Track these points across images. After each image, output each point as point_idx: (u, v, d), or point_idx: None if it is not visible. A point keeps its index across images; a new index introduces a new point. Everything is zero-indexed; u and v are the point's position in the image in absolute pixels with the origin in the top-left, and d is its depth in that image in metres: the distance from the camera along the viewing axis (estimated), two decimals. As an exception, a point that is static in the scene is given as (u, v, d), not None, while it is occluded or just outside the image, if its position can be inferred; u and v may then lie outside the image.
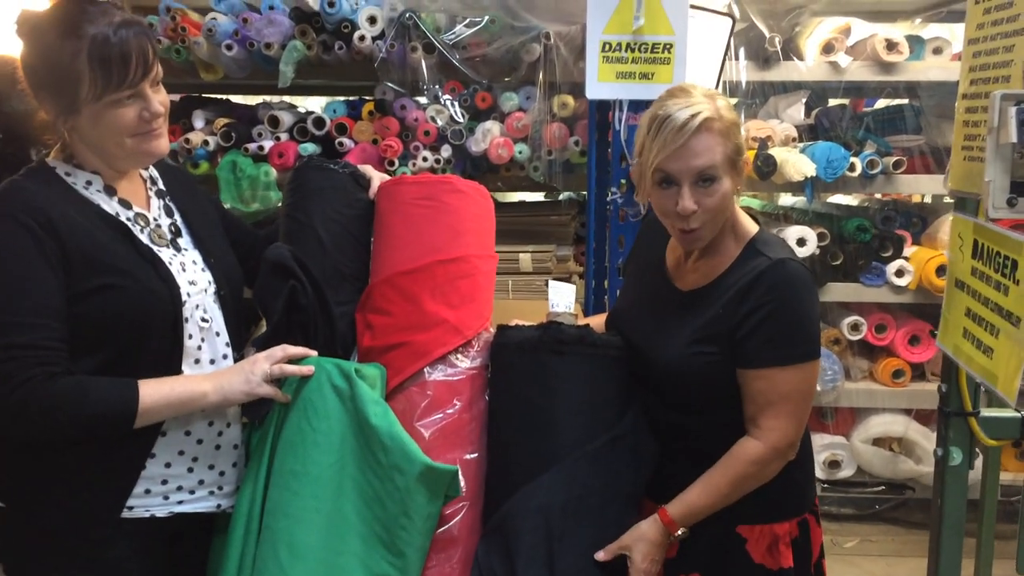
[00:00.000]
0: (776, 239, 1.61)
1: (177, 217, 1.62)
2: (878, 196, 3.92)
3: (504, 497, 1.56)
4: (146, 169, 1.62)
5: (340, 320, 1.67)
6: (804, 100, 3.49)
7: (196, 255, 1.59)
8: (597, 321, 1.85)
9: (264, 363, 1.49)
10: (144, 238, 1.50)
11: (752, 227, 1.61)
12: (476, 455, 1.62)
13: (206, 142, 3.17)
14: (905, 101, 3.58)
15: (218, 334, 1.57)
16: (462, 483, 1.55)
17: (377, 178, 1.80)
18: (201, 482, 1.54)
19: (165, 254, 1.52)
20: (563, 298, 1.74)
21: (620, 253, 2.55)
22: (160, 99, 1.48)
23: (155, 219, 1.56)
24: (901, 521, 3.68)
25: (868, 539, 3.57)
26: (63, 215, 1.40)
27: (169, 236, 1.56)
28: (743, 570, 1.59)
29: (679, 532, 1.56)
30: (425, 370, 1.62)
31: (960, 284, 1.96)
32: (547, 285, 3.20)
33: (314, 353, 1.56)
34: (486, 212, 1.77)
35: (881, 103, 3.88)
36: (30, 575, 1.46)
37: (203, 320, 1.53)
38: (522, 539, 1.50)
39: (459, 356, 1.64)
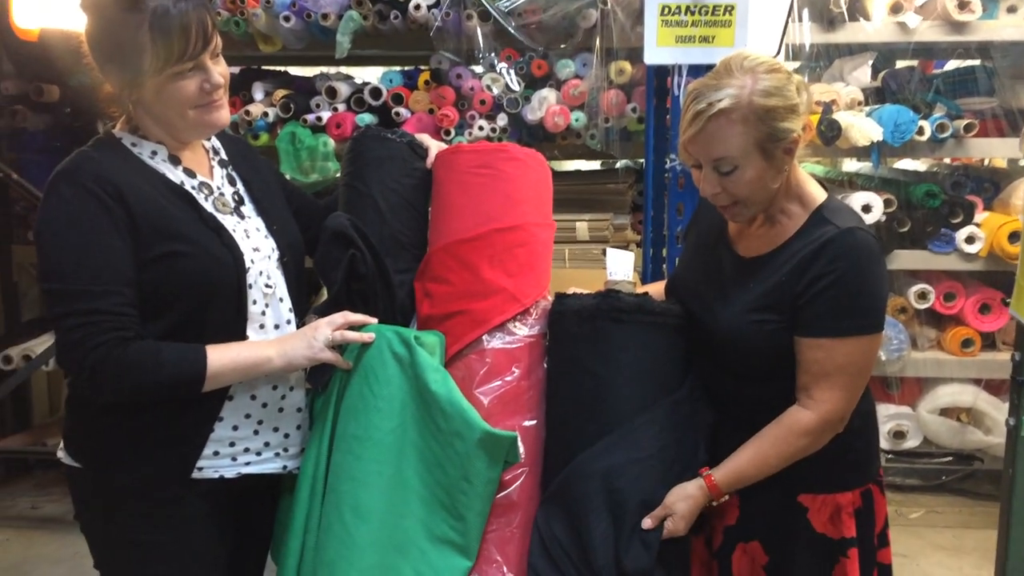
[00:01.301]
0: (845, 207, 1.57)
1: (240, 186, 1.64)
2: (947, 161, 3.80)
3: (563, 464, 1.57)
4: (208, 140, 1.65)
5: (399, 288, 1.68)
6: (870, 62, 3.39)
7: (259, 222, 1.62)
8: (656, 289, 1.83)
9: (326, 329, 1.52)
10: (208, 206, 1.53)
11: (820, 194, 1.58)
12: (535, 422, 1.63)
13: (266, 114, 3.22)
14: (977, 62, 3.45)
15: (281, 300, 1.59)
16: (521, 449, 1.56)
17: (434, 147, 1.80)
18: (267, 444, 1.58)
19: (229, 221, 1.55)
20: (621, 266, 1.73)
21: (679, 221, 2.52)
22: (220, 71, 1.50)
23: (218, 188, 1.59)
24: (968, 492, 3.60)
25: (934, 510, 3.50)
26: (130, 184, 1.43)
27: (232, 204, 1.59)
28: (804, 539, 1.57)
29: (724, 499, 1.54)
30: (484, 338, 1.63)
31: (1034, 250, 1.89)
32: (604, 254, 3.20)
33: (374, 320, 1.58)
34: (543, 180, 1.76)
35: (951, 64, 3.75)
36: (105, 534, 1.52)
37: (267, 286, 1.56)
38: (584, 505, 1.51)
39: (517, 324, 1.65)
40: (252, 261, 1.53)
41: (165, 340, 1.45)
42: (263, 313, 1.56)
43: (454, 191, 1.71)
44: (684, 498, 1.53)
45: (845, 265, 1.46)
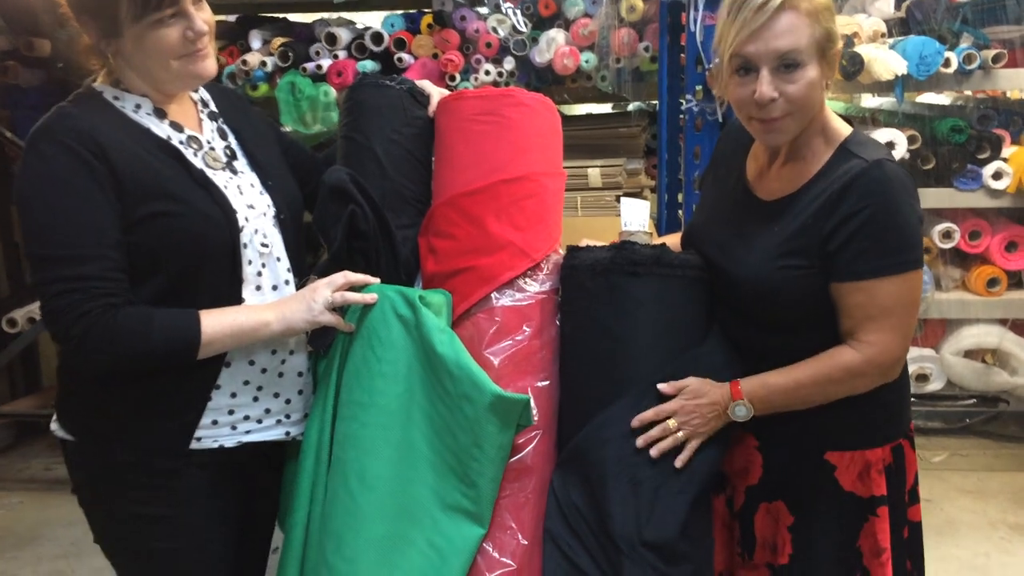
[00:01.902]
0: (871, 140, 1.48)
1: (232, 139, 1.56)
2: (969, 93, 3.65)
3: (579, 426, 1.50)
4: (196, 91, 1.55)
5: (403, 245, 1.60)
6: (894, -9, 3.23)
7: (253, 178, 1.54)
8: (673, 240, 1.74)
9: (326, 290, 1.44)
10: (198, 162, 1.45)
11: (844, 128, 1.48)
12: (548, 382, 1.56)
13: (264, 63, 3.11)
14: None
15: (279, 259, 1.52)
16: (534, 412, 1.49)
17: (436, 94, 1.70)
18: (268, 411, 1.51)
19: (220, 177, 1.46)
20: (636, 216, 1.64)
21: (696, 165, 2.41)
22: (204, 17, 1.41)
23: (208, 142, 1.50)
24: (993, 435, 3.55)
25: (958, 453, 3.45)
26: (113, 140, 1.36)
27: (224, 159, 1.51)
28: (832, 499, 1.51)
29: (738, 406, 1.46)
30: (492, 295, 1.54)
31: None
32: (618, 201, 3.10)
33: (376, 281, 1.50)
34: (552, 126, 1.66)
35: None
36: (104, 508, 1.47)
37: (263, 245, 1.48)
38: (601, 471, 1.44)
39: (527, 280, 1.56)
40: (246, 219, 1.45)
41: (156, 305, 1.38)
42: (259, 274, 1.48)
43: (458, 141, 1.61)
44: (701, 381, 1.48)
45: (877, 200, 1.37)
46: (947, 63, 3.05)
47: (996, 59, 3.09)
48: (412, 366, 1.46)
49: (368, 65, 3.10)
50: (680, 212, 2.98)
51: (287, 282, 1.53)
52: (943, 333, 3.44)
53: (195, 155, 1.45)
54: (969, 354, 3.37)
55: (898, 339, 1.42)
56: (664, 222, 2.96)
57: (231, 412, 1.47)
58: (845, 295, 1.42)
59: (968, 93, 3.64)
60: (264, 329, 1.41)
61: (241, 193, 1.48)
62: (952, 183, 3.21)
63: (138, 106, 1.44)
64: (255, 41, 3.23)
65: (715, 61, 1.49)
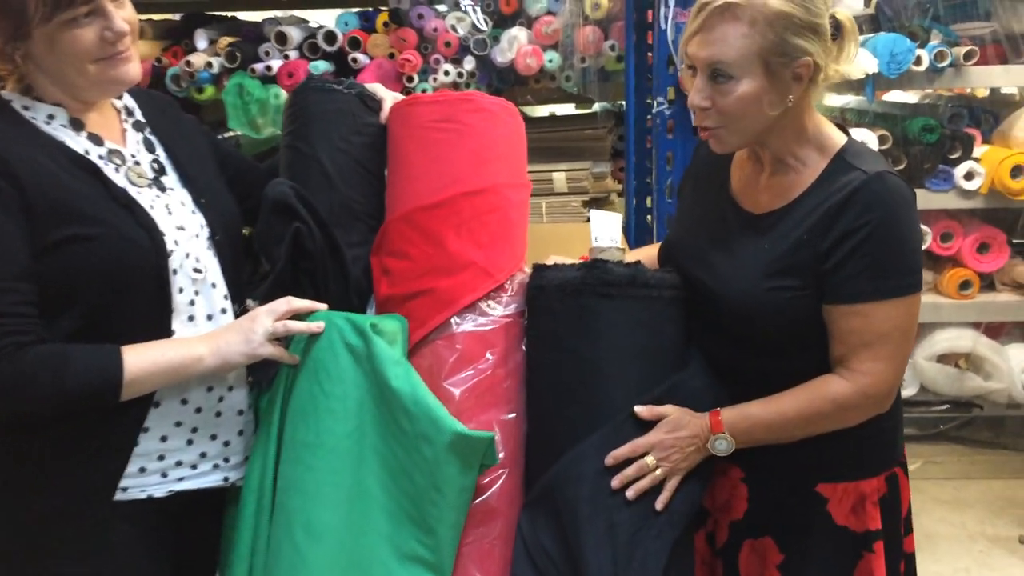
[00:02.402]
0: (868, 150, 1.37)
1: (160, 152, 1.40)
2: (939, 91, 3.58)
3: (549, 462, 1.37)
4: (119, 98, 1.40)
5: (353, 265, 1.46)
6: (864, -14, 3.15)
7: (184, 195, 1.38)
8: (648, 253, 1.62)
9: (266, 319, 1.30)
10: (119, 178, 1.30)
11: (839, 137, 1.37)
12: (514, 415, 1.42)
13: (209, 64, 2.94)
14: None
15: (214, 285, 1.37)
16: (500, 450, 1.36)
17: (389, 99, 1.56)
18: (203, 455, 1.37)
19: (146, 196, 1.31)
20: (607, 230, 1.51)
21: (669, 172, 2.28)
22: (125, 15, 1.26)
23: (132, 156, 1.35)
24: (967, 440, 3.49)
25: (932, 460, 3.38)
26: (22, 156, 1.21)
27: (151, 174, 1.36)
28: (824, 534, 1.39)
29: (719, 440, 1.35)
30: (452, 320, 1.41)
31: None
32: (584, 207, 2.98)
33: (323, 307, 1.35)
34: (515, 133, 1.52)
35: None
36: (25, 566, 1.31)
37: (195, 270, 1.33)
38: (574, 511, 1.31)
39: (491, 303, 1.43)
40: (176, 242, 1.31)
41: (75, 341, 1.23)
42: (192, 303, 1.33)
43: (413, 150, 1.47)
44: (682, 412, 1.36)
45: (879, 215, 1.26)
46: (918, 61, 2.98)
47: (968, 56, 3.02)
48: (363, 402, 1.32)
49: (321, 66, 2.94)
50: (649, 217, 2.87)
51: (224, 310, 1.38)
52: (916, 337, 3.36)
53: (117, 171, 1.30)
54: (942, 358, 3.30)
55: (893, 368, 1.31)
56: (633, 228, 2.84)
57: (161, 458, 1.32)
58: (839, 318, 1.30)
59: (938, 91, 3.58)
60: (197, 365, 1.27)
61: (170, 213, 1.33)
62: (924, 184, 3.14)
63: (51, 117, 1.28)
64: (200, 41, 3.05)
65: (686, 71, 1.38)
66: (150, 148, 1.39)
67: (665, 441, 1.35)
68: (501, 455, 1.37)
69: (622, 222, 2.93)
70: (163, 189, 1.35)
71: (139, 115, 1.42)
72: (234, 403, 1.39)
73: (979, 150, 3.15)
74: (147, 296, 1.27)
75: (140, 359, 1.23)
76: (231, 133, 3.09)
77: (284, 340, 1.34)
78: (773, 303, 1.33)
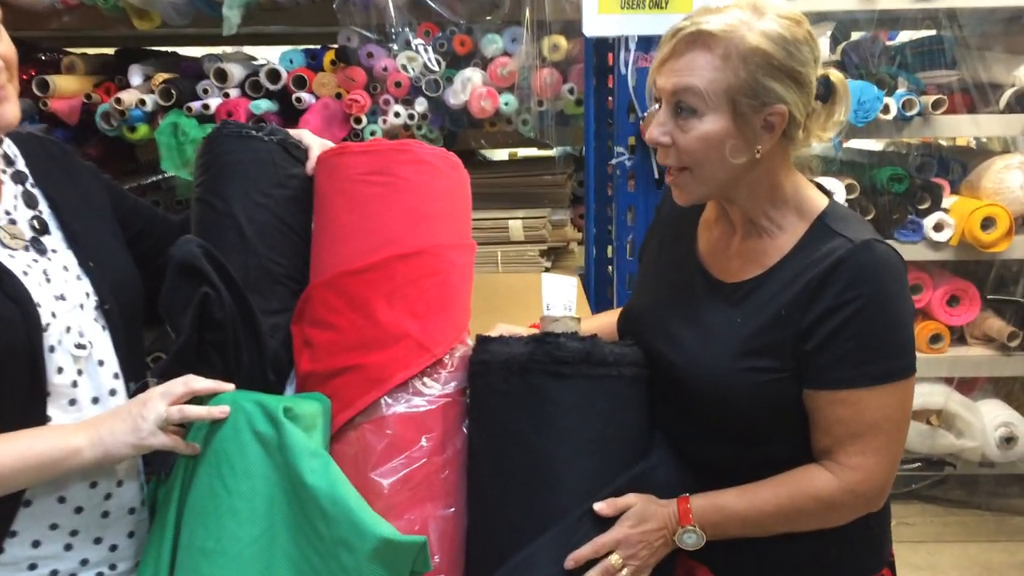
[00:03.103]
0: (852, 214, 1.23)
1: (43, 207, 1.22)
2: (907, 140, 3.52)
3: (493, 566, 1.19)
4: (-1, 144, 1.21)
5: (272, 336, 1.28)
6: (830, 33, 3.07)
7: (69, 258, 1.20)
8: (607, 320, 1.46)
9: (159, 403, 1.10)
10: None
11: (820, 199, 1.23)
12: (452, 510, 1.25)
13: (142, 102, 2.75)
14: (933, 32, 3.15)
15: (102, 363, 1.18)
16: (434, 554, 1.18)
17: (317, 146, 1.39)
18: (85, 562, 1.17)
19: (19, 260, 1.13)
20: (561, 296, 1.34)
21: (629, 228, 2.12)
22: (1, 50, 1.08)
23: (7, 212, 1.17)
24: (940, 500, 3.36)
25: (904, 522, 3.24)
26: None
27: (29, 235, 1.17)
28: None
29: (687, 533, 1.19)
30: (383, 401, 1.23)
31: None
32: (542, 256, 2.83)
33: (229, 387, 1.17)
34: (458, 187, 1.36)
35: (904, 35, 3.46)
36: None
37: (78, 346, 1.14)
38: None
39: (427, 380, 1.26)
40: (53, 315, 1.12)
41: None
42: (74, 384, 1.14)
43: (341, 206, 1.30)
44: (648, 502, 1.21)
45: (868, 290, 1.12)
46: (886, 109, 2.90)
47: (936, 105, 2.95)
48: (274, 501, 1.13)
49: (263, 105, 2.77)
50: (610, 268, 2.72)
51: (113, 392, 1.19)
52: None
53: (-14, 230, 1.12)
54: (914, 415, 3.18)
55: (886, 463, 1.16)
56: (593, 280, 2.68)
57: (32, 567, 1.12)
58: (824, 406, 1.15)
59: (906, 140, 3.51)
60: (73, 458, 1.07)
61: (48, 280, 1.14)
62: (893, 235, 3.05)
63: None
64: (135, 77, 2.87)
65: (653, 106, 1.23)
66: (31, 203, 1.20)
67: (631, 537, 1.18)
68: (436, 559, 1.19)
69: (581, 270, 2.82)
70: (42, 251, 1.17)
71: (21, 164, 1.23)
72: (124, 500, 1.20)
73: (948, 200, 3.08)
74: (17, 378, 1.08)
75: (4, 452, 1.03)
76: (165, 175, 2.91)
77: (185, 426, 1.15)
78: (747, 385, 1.17)
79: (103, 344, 1.18)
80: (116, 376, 1.19)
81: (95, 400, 1.17)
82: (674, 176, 1.21)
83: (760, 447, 1.22)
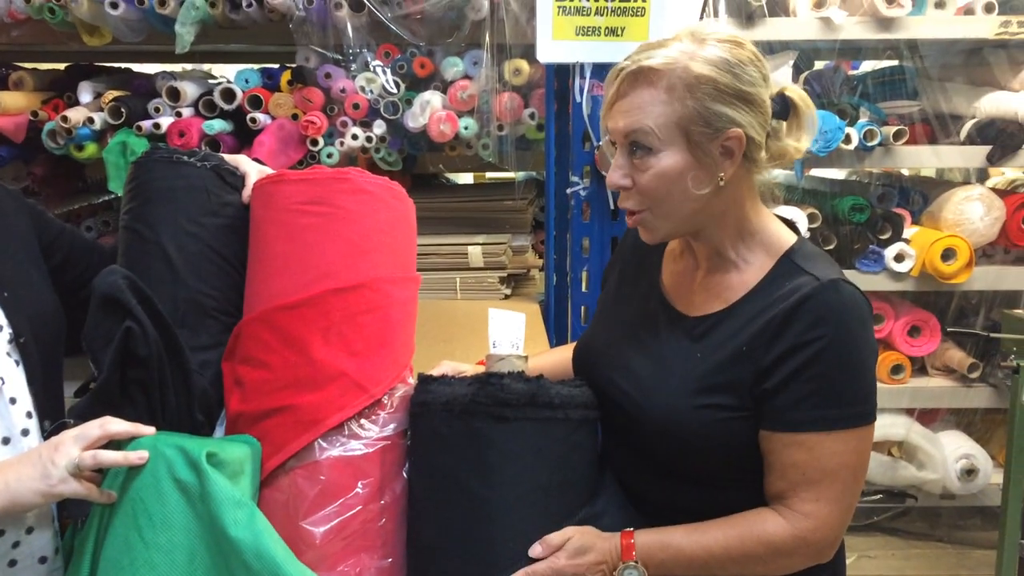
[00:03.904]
0: (820, 252, 1.20)
1: (-48, 237, 1.14)
2: (868, 169, 3.53)
3: (430, 621, 1.13)
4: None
5: (202, 373, 1.21)
6: (791, 62, 3.06)
7: None
8: (561, 356, 1.41)
9: (71, 447, 1.03)
10: None
11: (787, 235, 1.20)
12: (389, 560, 1.18)
13: (91, 120, 2.66)
14: (895, 63, 3.17)
15: (13, 401, 1.11)
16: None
17: (254, 173, 1.33)
18: (-11, 619, 1.08)
19: None
20: (508, 333, 1.29)
21: (584, 260, 2.07)
22: None
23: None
24: (901, 532, 3.34)
25: (866, 555, 3.21)
26: None
27: None
28: None
29: (628, 569, 1.13)
30: (316, 444, 1.17)
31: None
32: (502, 283, 2.78)
33: (149, 430, 1.09)
34: (401, 219, 1.30)
35: (867, 65, 3.48)
36: None
37: None
38: None
39: (364, 422, 1.20)
40: (-42, 351, 1.04)
41: None
42: (-19, 425, 1.06)
43: (276, 236, 1.24)
44: (588, 535, 1.15)
45: (831, 332, 1.08)
46: (848, 139, 2.90)
47: (898, 136, 2.95)
48: (195, 554, 1.06)
49: (217, 125, 2.70)
50: (569, 293, 2.67)
51: (26, 432, 1.11)
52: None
53: None
54: (875, 446, 3.16)
55: (839, 513, 1.11)
56: (552, 308, 2.63)
57: (-70, 623, 1.04)
58: (780, 449, 1.11)
59: (868, 169, 3.52)
60: None
61: (-46, 312, 1.06)
62: (854, 264, 3.04)
63: None
64: (84, 94, 2.78)
65: (605, 138, 1.20)
66: (-63, 230, 1.13)
67: (566, 568, 1.12)
68: (370, 615, 1.12)
69: (540, 297, 2.77)
70: (-52, 282, 1.09)
71: (-70, 188, 1.16)
72: (34, 549, 1.12)
73: (909, 231, 3.08)
74: (-86, 420, 1.00)
75: None
76: (116, 195, 2.82)
77: (102, 472, 1.08)
78: (702, 423, 1.13)
79: (16, 380, 1.11)
80: (29, 415, 1.12)
81: (5, 440, 1.09)
82: (637, 216, 1.17)
83: (712, 488, 1.17)
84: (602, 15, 1.85)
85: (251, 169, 1.34)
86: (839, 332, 1.08)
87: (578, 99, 1.96)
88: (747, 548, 1.13)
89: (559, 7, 1.86)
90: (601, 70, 1.94)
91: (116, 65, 3.15)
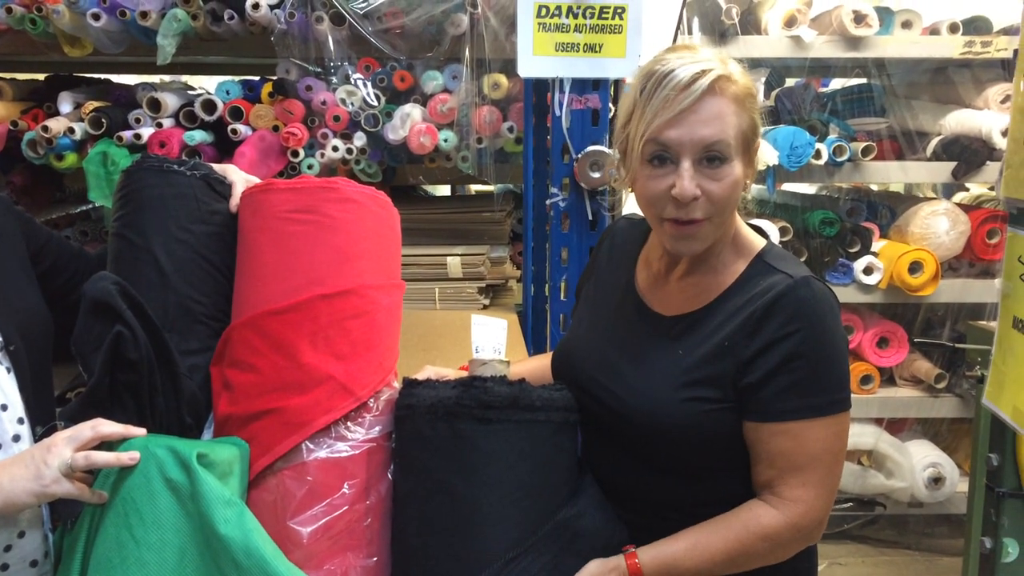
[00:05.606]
0: (789, 255, 1.26)
1: (-54, 243, 1.16)
2: (838, 184, 3.61)
3: (415, 618, 1.15)
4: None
5: (189, 377, 1.23)
6: (763, 79, 3.14)
7: None
8: (541, 363, 1.45)
9: (64, 449, 1.05)
10: None
11: (757, 238, 1.26)
12: (375, 559, 1.21)
13: (71, 130, 2.67)
14: (863, 80, 3.26)
15: (5, 407, 1.12)
16: (354, 607, 1.14)
17: (241, 182, 1.36)
18: (-19, 619, 1.10)
19: None
20: (490, 339, 1.33)
21: (563, 269, 2.12)
22: None
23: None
24: (870, 540, 3.40)
25: (836, 562, 3.26)
26: None
27: None
28: None
29: None
30: (304, 446, 1.19)
31: (1020, 324, 1.57)
32: (480, 293, 2.82)
33: (139, 432, 1.12)
34: (386, 227, 1.34)
35: (837, 82, 3.56)
36: None
37: None
38: None
39: (350, 425, 1.22)
40: (-50, 356, 1.06)
41: None
42: (-27, 428, 1.08)
43: (265, 244, 1.27)
44: (598, 567, 1.17)
45: (807, 325, 1.13)
46: (817, 154, 2.97)
47: (866, 152, 3.03)
48: (185, 552, 1.08)
49: (197, 136, 2.71)
50: (547, 305, 2.71)
51: (17, 437, 1.13)
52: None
53: None
54: (846, 455, 3.22)
55: (825, 495, 1.17)
56: (531, 318, 2.68)
57: (-79, 624, 1.05)
58: (767, 439, 1.16)
59: (837, 184, 3.60)
60: None
61: (-54, 318, 1.08)
62: (824, 276, 3.10)
63: None
64: (64, 104, 2.79)
65: (614, 149, 1.24)
66: (-71, 237, 1.15)
67: None
68: (356, 613, 1.15)
69: (519, 307, 2.81)
70: (-60, 289, 1.11)
71: (-78, 195, 1.18)
72: (25, 552, 1.14)
73: (877, 244, 3.16)
74: (-91, 423, 1.02)
75: None
76: (94, 204, 2.83)
77: (93, 472, 1.10)
78: (688, 415, 1.17)
79: (7, 387, 1.13)
80: (21, 421, 1.14)
81: (-4, 445, 1.11)
82: (696, 227, 1.17)
83: (698, 481, 1.22)
84: (581, 32, 1.90)
85: (238, 178, 1.37)
86: (815, 325, 1.13)
87: (557, 113, 2.01)
88: (747, 547, 1.17)
89: (540, 24, 1.90)
90: (580, 86, 1.99)
91: (96, 76, 3.15)
